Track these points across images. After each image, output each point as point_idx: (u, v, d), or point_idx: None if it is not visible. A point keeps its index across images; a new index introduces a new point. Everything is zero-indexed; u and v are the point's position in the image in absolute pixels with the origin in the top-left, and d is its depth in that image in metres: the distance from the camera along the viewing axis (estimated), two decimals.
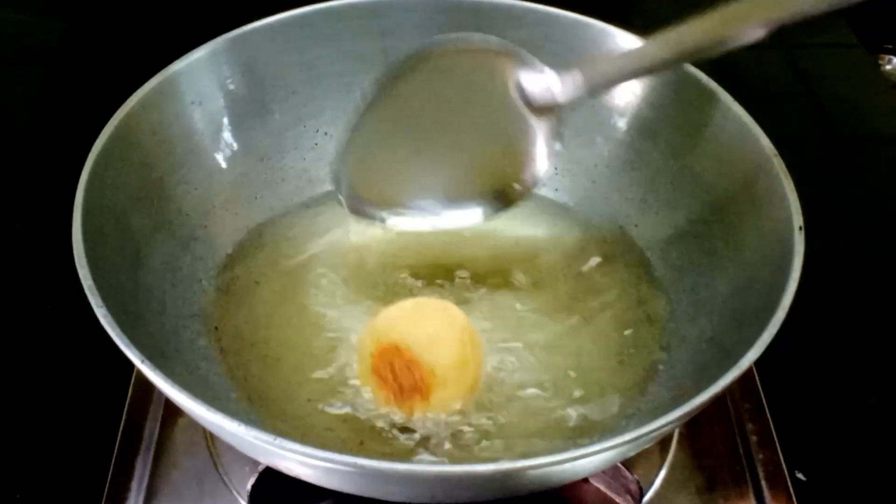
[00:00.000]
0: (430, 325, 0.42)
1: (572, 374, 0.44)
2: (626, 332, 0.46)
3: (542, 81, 0.41)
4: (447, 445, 0.41)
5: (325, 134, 0.53)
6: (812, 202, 0.39)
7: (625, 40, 0.48)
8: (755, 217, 0.42)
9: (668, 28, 0.38)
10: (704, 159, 0.46)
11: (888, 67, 0.74)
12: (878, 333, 0.52)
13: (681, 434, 0.44)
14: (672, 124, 0.48)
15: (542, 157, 0.42)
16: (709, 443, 0.44)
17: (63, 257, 0.37)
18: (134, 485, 0.42)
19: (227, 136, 0.49)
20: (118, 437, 0.44)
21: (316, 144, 0.53)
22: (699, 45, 0.38)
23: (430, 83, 0.42)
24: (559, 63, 0.41)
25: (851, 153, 0.63)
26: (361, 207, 0.44)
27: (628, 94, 0.49)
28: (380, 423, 0.42)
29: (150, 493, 0.42)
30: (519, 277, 0.49)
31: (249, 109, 0.50)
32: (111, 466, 0.43)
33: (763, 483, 0.43)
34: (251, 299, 0.47)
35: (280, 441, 0.31)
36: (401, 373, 0.40)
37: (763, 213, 0.41)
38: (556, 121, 0.42)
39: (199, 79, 0.47)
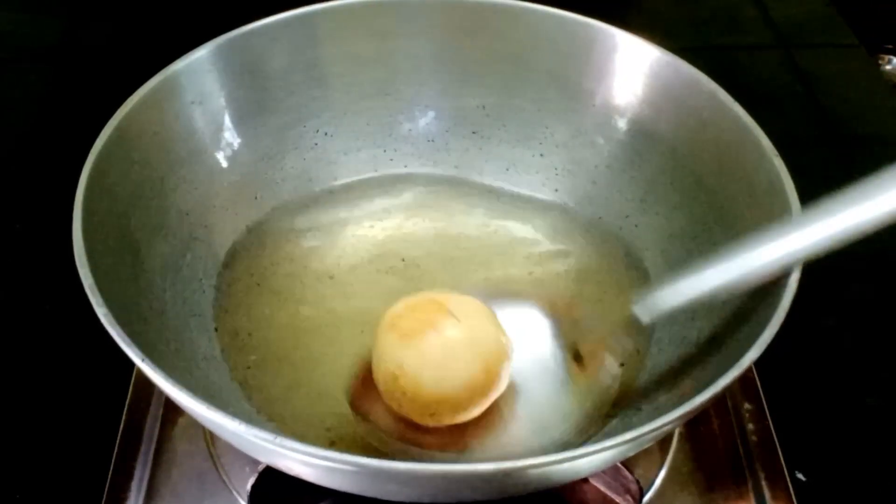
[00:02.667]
0: (434, 351, 0.39)
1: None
2: (627, 333, 0.46)
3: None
4: None
5: (325, 134, 0.53)
6: (812, 202, 0.39)
7: (625, 40, 0.49)
8: (755, 217, 0.42)
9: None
10: (704, 159, 0.46)
11: (888, 67, 0.74)
12: (878, 333, 0.52)
13: (681, 434, 0.44)
14: (672, 124, 0.48)
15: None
16: (709, 443, 0.44)
17: (63, 257, 0.36)
18: (134, 485, 0.42)
19: (227, 135, 0.49)
20: (118, 437, 0.44)
21: (316, 144, 0.53)
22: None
23: None
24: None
25: (851, 153, 0.63)
26: None
27: (628, 95, 0.49)
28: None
29: (150, 493, 0.42)
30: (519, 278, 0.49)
31: (249, 109, 0.50)
32: (111, 466, 0.43)
33: (763, 483, 0.43)
34: (251, 299, 0.47)
35: (280, 440, 0.31)
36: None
37: (763, 213, 0.41)
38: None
39: (199, 79, 0.47)
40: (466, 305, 0.40)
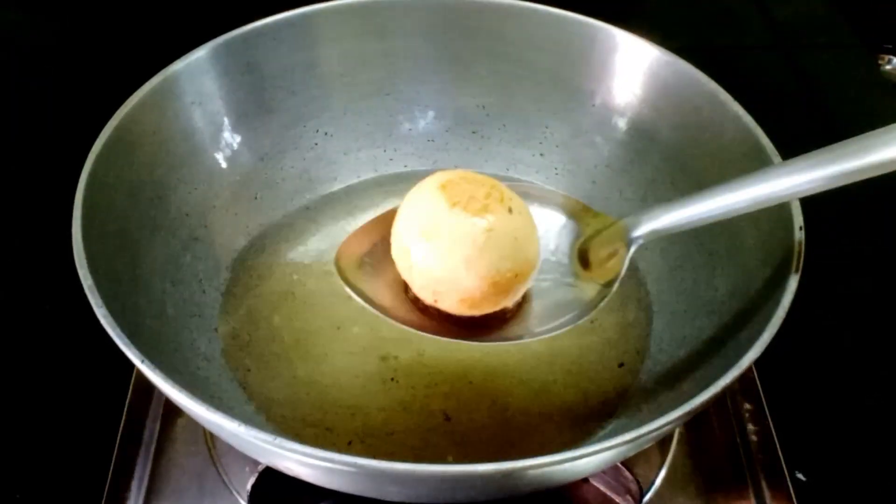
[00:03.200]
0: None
1: (572, 375, 0.44)
2: (626, 333, 0.46)
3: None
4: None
5: (326, 134, 0.53)
6: (812, 202, 0.39)
7: (625, 40, 0.49)
8: (755, 216, 0.42)
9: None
10: (704, 159, 0.46)
11: (888, 67, 0.74)
12: (877, 333, 0.52)
13: (681, 434, 0.44)
14: (672, 124, 0.48)
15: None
16: (709, 443, 0.44)
17: (63, 257, 0.36)
18: (134, 485, 0.42)
19: (227, 136, 0.50)
20: (118, 437, 0.44)
21: (316, 144, 0.53)
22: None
23: None
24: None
25: None
26: None
27: (628, 94, 0.49)
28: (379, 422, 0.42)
29: (150, 493, 0.42)
30: None
31: (249, 109, 0.50)
32: (111, 466, 0.43)
33: (763, 483, 0.43)
34: (251, 300, 0.47)
35: (280, 441, 0.31)
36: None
37: (763, 213, 0.41)
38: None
39: (199, 79, 0.47)
40: (519, 202, 0.38)
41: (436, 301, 0.38)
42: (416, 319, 0.39)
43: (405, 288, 0.40)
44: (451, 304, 0.38)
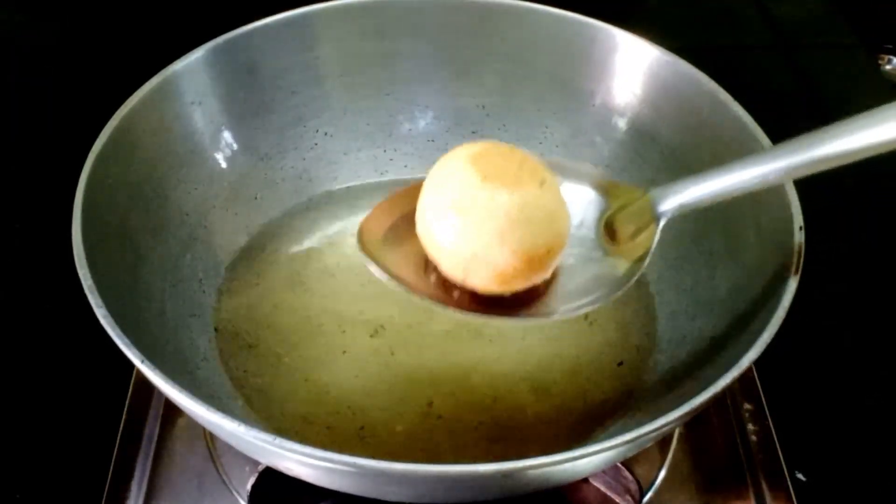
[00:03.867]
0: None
1: (572, 374, 0.44)
2: (626, 333, 0.46)
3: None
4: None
5: (325, 134, 0.53)
6: (812, 202, 0.39)
7: (625, 40, 0.49)
8: (755, 217, 0.42)
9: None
10: (704, 159, 0.46)
11: (888, 67, 0.74)
12: (877, 333, 0.52)
13: (681, 434, 0.44)
14: (672, 124, 0.48)
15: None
16: (709, 443, 0.44)
17: (63, 257, 0.36)
18: (134, 485, 0.42)
19: (227, 136, 0.50)
20: (118, 437, 0.44)
21: (316, 144, 0.53)
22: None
23: None
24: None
25: None
26: None
27: (628, 94, 0.49)
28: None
29: (150, 493, 0.42)
30: None
31: (249, 109, 0.50)
32: (111, 466, 0.43)
33: (763, 483, 0.43)
34: (251, 300, 0.47)
35: (280, 441, 0.31)
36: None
37: (763, 213, 0.41)
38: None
39: (199, 79, 0.47)
40: (550, 175, 0.37)
41: (465, 278, 0.37)
42: (442, 296, 0.38)
43: (430, 264, 0.38)
44: (482, 281, 0.36)
